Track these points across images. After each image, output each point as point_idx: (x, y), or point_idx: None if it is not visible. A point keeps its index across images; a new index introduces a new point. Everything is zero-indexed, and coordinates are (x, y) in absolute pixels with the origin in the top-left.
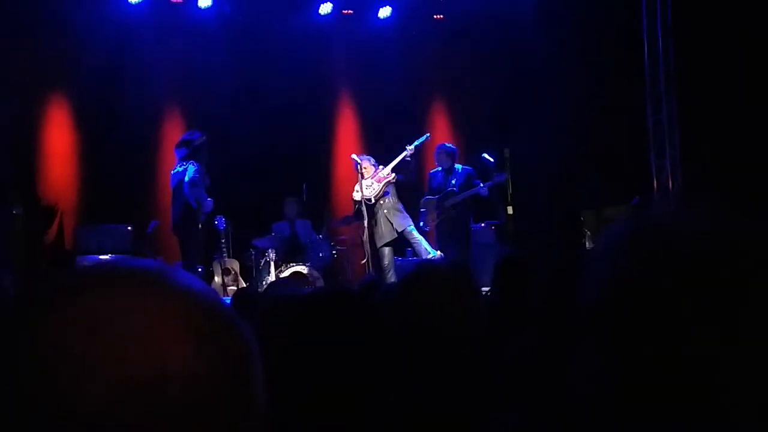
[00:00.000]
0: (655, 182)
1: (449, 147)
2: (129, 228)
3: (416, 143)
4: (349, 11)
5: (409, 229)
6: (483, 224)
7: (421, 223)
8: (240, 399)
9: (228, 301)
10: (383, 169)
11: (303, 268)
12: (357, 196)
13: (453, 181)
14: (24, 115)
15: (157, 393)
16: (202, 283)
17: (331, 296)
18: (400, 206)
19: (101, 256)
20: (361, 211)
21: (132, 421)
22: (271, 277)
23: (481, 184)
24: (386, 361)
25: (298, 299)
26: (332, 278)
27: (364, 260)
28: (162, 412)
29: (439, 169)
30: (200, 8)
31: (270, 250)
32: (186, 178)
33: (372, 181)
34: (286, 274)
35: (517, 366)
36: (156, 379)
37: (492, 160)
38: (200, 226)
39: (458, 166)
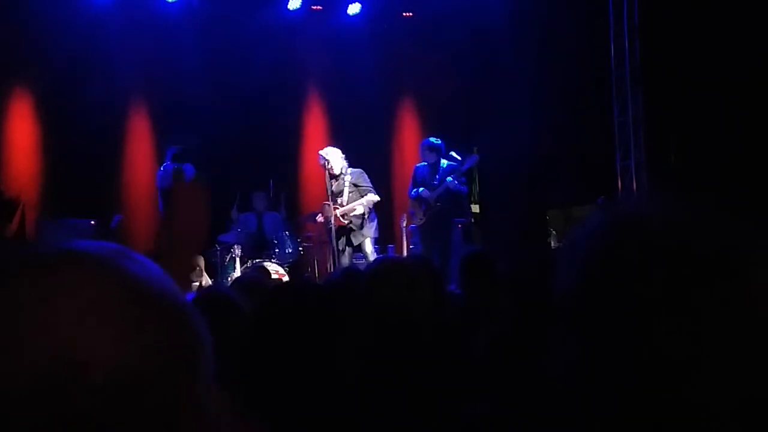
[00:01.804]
0: (619, 183)
1: (433, 142)
2: (92, 222)
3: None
4: (318, 7)
5: (365, 243)
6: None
7: (412, 225)
8: (180, 392)
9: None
10: (346, 204)
11: (269, 264)
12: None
13: (437, 177)
14: None
15: (72, 382)
16: (158, 270)
17: (293, 290)
18: (372, 220)
19: None
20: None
21: (43, 413)
22: (237, 273)
23: (454, 180)
24: (351, 354)
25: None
26: (298, 274)
27: (330, 257)
28: (80, 400)
29: (425, 163)
30: (168, 1)
31: (235, 246)
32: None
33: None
34: None
35: (487, 357)
36: (72, 368)
37: (460, 158)
38: None
39: (444, 162)
